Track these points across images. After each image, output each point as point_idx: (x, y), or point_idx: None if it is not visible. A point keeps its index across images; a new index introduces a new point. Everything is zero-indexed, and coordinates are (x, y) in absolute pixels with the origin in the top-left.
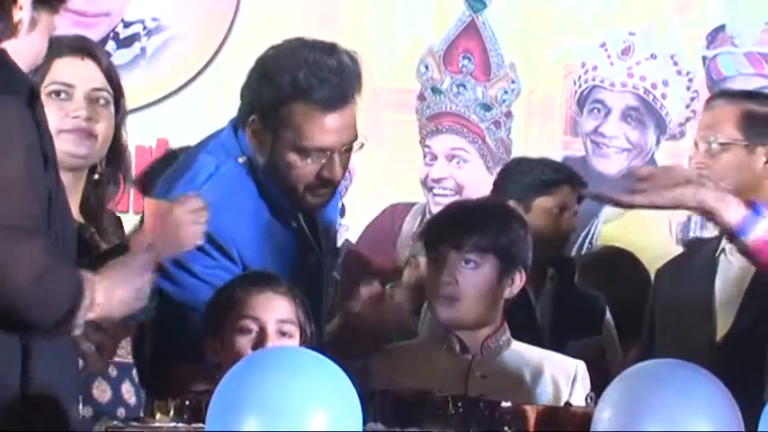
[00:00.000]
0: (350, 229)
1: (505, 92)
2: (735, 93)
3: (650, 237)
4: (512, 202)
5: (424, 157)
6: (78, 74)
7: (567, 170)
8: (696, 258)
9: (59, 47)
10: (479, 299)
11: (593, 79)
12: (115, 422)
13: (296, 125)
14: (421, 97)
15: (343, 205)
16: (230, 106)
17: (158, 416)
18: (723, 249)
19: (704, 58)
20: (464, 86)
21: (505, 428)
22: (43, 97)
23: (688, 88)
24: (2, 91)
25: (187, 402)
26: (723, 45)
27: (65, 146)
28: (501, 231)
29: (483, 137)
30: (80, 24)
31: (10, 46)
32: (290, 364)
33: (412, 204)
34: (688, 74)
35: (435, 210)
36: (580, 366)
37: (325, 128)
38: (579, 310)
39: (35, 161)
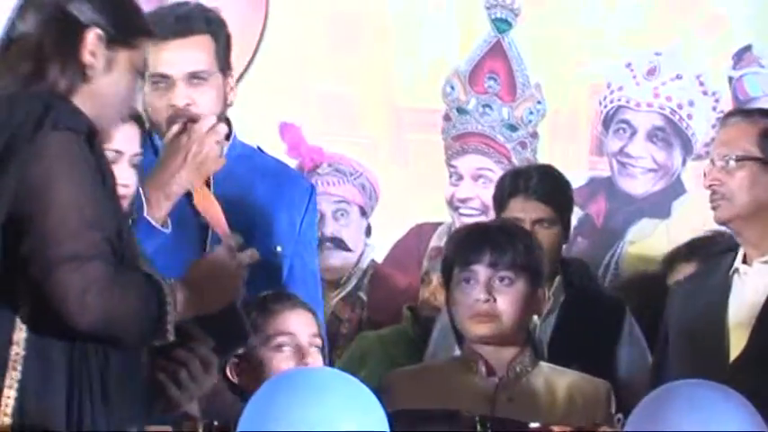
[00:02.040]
0: (376, 249)
1: (531, 112)
2: (751, 110)
3: None
4: None
5: (450, 177)
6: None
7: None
8: (710, 277)
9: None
10: (515, 316)
11: (619, 99)
12: None
13: None
14: (446, 117)
15: (369, 225)
16: (259, 122)
17: None
18: (737, 269)
19: (730, 79)
20: (490, 107)
21: None
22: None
23: (714, 108)
24: (61, 128)
25: (215, 423)
26: (749, 65)
27: None
28: (529, 250)
29: (509, 157)
30: None
31: (87, 90)
32: (319, 385)
33: (438, 224)
34: (714, 94)
35: None
36: (608, 387)
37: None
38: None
39: (94, 190)
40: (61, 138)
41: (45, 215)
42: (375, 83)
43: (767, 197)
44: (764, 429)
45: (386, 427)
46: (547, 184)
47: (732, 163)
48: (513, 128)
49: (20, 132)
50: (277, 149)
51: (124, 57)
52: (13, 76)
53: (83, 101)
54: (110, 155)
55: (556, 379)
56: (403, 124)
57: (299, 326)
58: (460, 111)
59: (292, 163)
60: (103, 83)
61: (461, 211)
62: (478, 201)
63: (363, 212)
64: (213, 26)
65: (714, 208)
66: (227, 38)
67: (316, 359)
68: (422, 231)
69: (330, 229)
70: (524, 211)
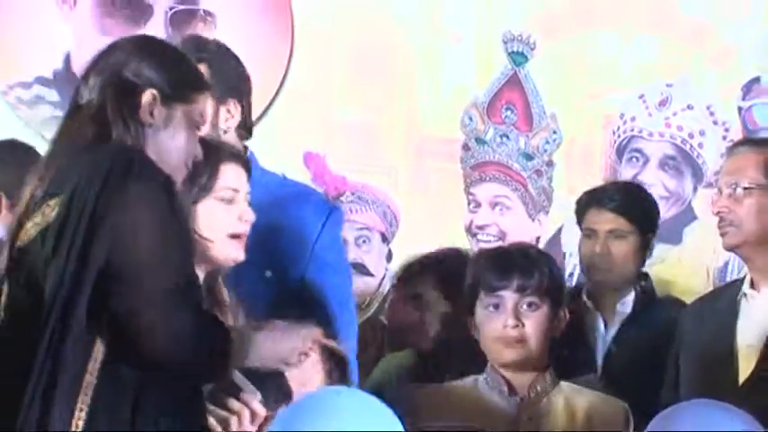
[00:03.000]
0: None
1: (547, 141)
2: (758, 140)
3: (690, 282)
4: None
5: (469, 204)
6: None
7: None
8: (719, 301)
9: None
10: (541, 339)
11: (632, 129)
12: None
13: None
14: (465, 147)
15: (390, 251)
16: (284, 151)
17: None
18: (744, 294)
19: (740, 109)
20: (507, 137)
21: None
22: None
23: (724, 138)
24: (146, 177)
25: None
26: (759, 96)
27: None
28: (551, 273)
29: (525, 185)
30: None
31: (150, 145)
32: (343, 406)
33: None
34: (724, 123)
35: None
36: (625, 408)
37: None
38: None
39: (180, 235)
40: (149, 186)
41: (139, 259)
42: (397, 113)
43: None
44: None
45: None
46: (624, 197)
47: (740, 191)
48: (529, 157)
49: (109, 184)
50: (302, 178)
51: (181, 111)
52: (79, 138)
53: (150, 156)
54: (227, 193)
55: (575, 399)
56: (423, 153)
57: None
58: (479, 140)
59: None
60: (163, 137)
61: (479, 237)
62: (496, 227)
63: (384, 239)
64: (205, 54)
65: (723, 234)
66: (225, 64)
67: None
68: None
69: (352, 255)
70: (598, 222)
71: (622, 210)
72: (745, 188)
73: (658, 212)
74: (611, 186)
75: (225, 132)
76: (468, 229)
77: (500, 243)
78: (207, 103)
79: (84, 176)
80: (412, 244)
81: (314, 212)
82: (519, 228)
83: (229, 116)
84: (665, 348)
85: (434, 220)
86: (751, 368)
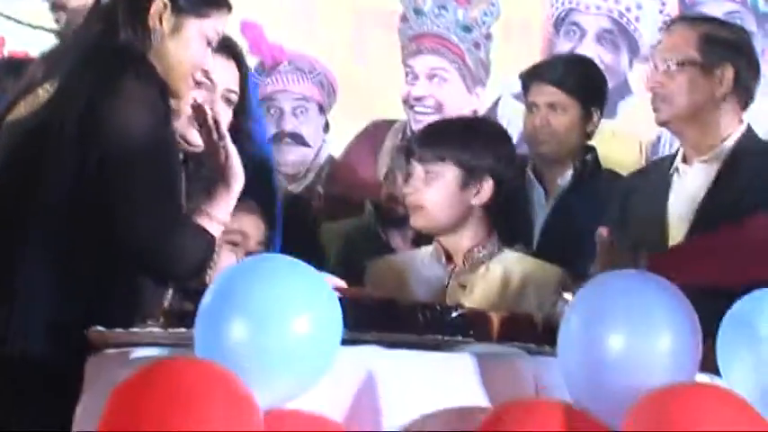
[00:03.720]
0: (334, 145)
1: (485, 14)
2: (695, 17)
3: (623, 155)
4: None
5: (406, 75)
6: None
7: None
8: (652, 174)
9: None
10: (447, 207)
11: (570, 2)
12: (99, 327)
13: None
14: (403, 18)
15: (327, 121)
16: None
17: (149, 322)
18: (677, 168)
19: None
20: (445, 8)
21: (470, 333)
22: None
23: (661, 12)
24: (138, 78)
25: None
26: None
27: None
28: (467, 143)
29: (463, 57)
30: None
31: (155, 52)
32: (275, 272)
33: (393, 122)
34: None
35: (416, 127)
36: (558, 273)
37: None
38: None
39: (166, 133)
40: (146, 88)
41: (131, 155)
42: None
43: (705, 100)
44: (694, 315)
45: (338, 313)
46: (564, 70)
47: (673, 67)
48: (467, 29)
49: (106, 78)
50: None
51: (192, 24)
52: (87, 33)
53: (153, 61)
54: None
55: (514, 266)
56: (361, 23)
57: None
58: (417, 11)
59: (253, 61)
60: (169, 45)
61: (416, 109)
62: (433, 99)
63: (322, 109)
64: None
65: (655, 110)
66: None
67: None
68: (378, 128)
69: (290, 125)
70: (538, 95)
71: (561, 83)
72: (678, 63)
73: (605, 85)
74: (555, 60)
75: None
76: (406, 101)
77: (436, 115)
78: (223, 20)
79: (79, 64)
80: (349, 115)
81: None
82: (456, 100)
83: None
84: (599, 219)
85: (372, 91)
86: (681, 237)
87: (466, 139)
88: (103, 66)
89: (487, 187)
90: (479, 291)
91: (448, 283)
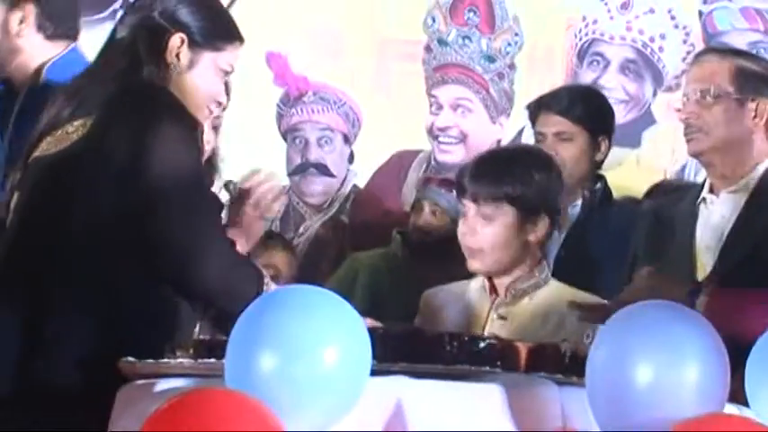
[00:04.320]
0: (358, 175)
1: (509, 44)
2: (724, 49)
3: (647, 185)
4: None
5: (430, 106)
6: None
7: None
8: (678, 204)
9: None
10: (505, 247)
11: (594, 32)
12: (130, 358)
13: None
14: (428, 48)
15: (352, 152)
16: (246, 51)
17: (178, 353)
18: (704, 198)
19: (700, 13)
20: (469, 39)
21: (497, 363)
22: None
23: (684, 42)
24: (173, 116)
25: (204, 338)
26: (719, 1)
27: None
28: (516, 180)
29: (487, 87)
30: None
31: (175, 84)
32: (305, 303)
33: (417, 152)
34: (684, 27)
35: (440, 157)
36: (600, 304)
37: None
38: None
39: (203, 169)
40: (183, 128)
41: (180, 194)
42: (359, 14)
43: (740, 132)
44: (722, 347)
45: (367, 344)
46: (570, 100)
47: (709, 98)
48: (491, 59)
49: (146, 117)
50: (264, 78)
51: (207, 57)
52: (109, 69)
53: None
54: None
55: (556, 298)
56: (385, 54)
57: None
58: (441, 42)
59: (278, 91)
60: (186, 78)
61: (440, 139)
62: (457, 129)
63: (347, 139)
64: None
65: (689, 140)
66: None
67: None
68: (402, 158)
69: (314, 155)
70: (546, 125)
71: (567, 112)
72: (716, 96)
73: (611, 114)
74: (561, 90)
75: (18, 36)
76: (430, 131)
77: (461, 145)
78: (236, 53)
79: (113, 103)
80: (374, 145)
81: None
82: (480, 130)
83: (24, 20)
84: (621, 249)
85: (396, 121)
86: (709, 268)
87: (519, 175)
88: (139, 106)
89: (543, 225)
90: (518, 322)
91: (488, 313)
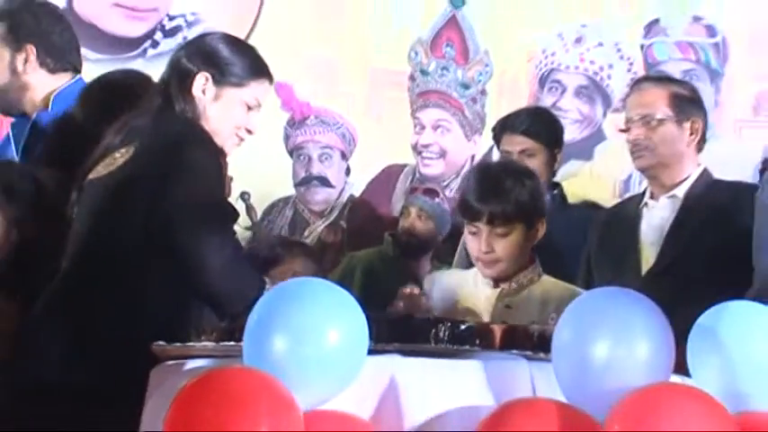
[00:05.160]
0: (354, 186)
1: (480, 73)
2: (659, 77)
3: (599, 192)
4: None
5: (414, 126)
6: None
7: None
8: (624, 209)
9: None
10: (516, 254)
11: (552, 63)
12: (161, 342)
13: None
14: (411, 78)
15: (348, 166)
16: None
17: (202, 337)
18: (645, 203)
19: (642, 46)
20: (447, 69)
21: (476, 343)
22: None
23: (629, 70)
24: (199, 142)
25: (226, 325)
26: (657, 35)
27: None
28: (522, 198)
29: (462, 110)
30: (133, 18)
31: (204, 117)
32: (312, 293)
33: (404, 166)
34: (629, 59)
35: (423, 170)
36: (574, 294)
37: None
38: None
39: (222, 192)
40: (205, 154)
41: (195, 208)
42: (353, 48)
43: (679, 149)
44: (667, 325)
45: (365, 327)
46: (531, 122)
47: (654, 122)
48: (466, 86)
49: (175, 143)
50: (273, 104)
51: (230, 93)
52: (149, 106)
53: (203, 124)
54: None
55: (551, 291)
56: (376, 83)
57: None
58: (423, 72)
59: (285, 115)
60: (212, 110)
61: (423, 154)
62: (437, 146)
63: (344, 156)
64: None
65: (637, 158)
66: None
67: None
68: (391, 171)
69: (316, 169)
70: (511, 144)
71: (529, 132)
72: (659, 119)
73: (562, 130)
74: (521, 112)
75: (26, 74)
76: (415, 148)
77: (441, 160)
78: (262, 88)
79: (150, 134)
80: (367, 161)
81: None
82: (457, 147)
83: (27, 59)
84: (578, 248)
85: (385, 140)
86: (651, 262)
87: (517, 188)
88: (170, 135)
89: (542, 228)
90: (522, 311)
91: (495, 303)
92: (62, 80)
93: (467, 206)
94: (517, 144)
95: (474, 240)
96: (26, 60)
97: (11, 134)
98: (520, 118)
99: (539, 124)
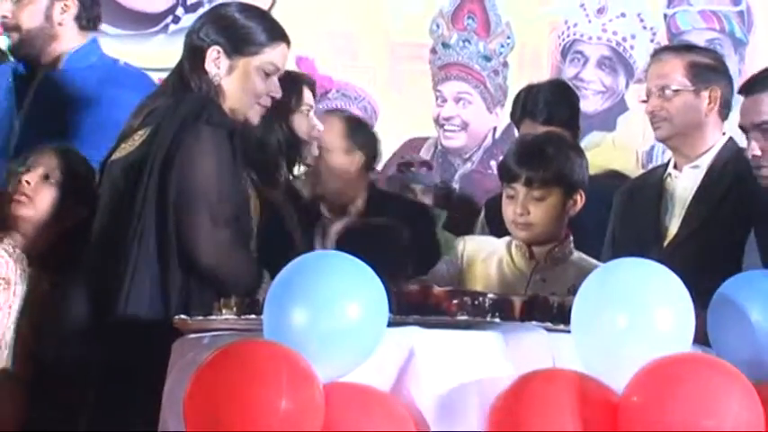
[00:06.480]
0: None
1: (502, 46)
2: (679, 46)
3: (622, 163)
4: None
5: (436, 99)
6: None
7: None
8: (648, 180)
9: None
10: (550, 223)
11: (574, 34)
12: (183, 316)
13: None
14: (433, 51)
15: None
16: None
17: (224, 311)
18: (669, 174)
19: (665, 15)
20: (468, 41)
21: (496, 314)
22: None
23: (652, 41)
24: (209, 123)
25: (247, 299)
26: (680, 4)
27: None
28: (562, 166)
29: (484, 83)
30: None
31: (220, 90)
32: (331, 266)
33: (426, 138)
34: (652, 29)
35: (445, 142)
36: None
37: None
38: None
39: (227, 175)
40: (216, 131)
41: (196, 187)
42: (375, 22)
43: (697, 118)
44: (687, 296)
45: (384, 300)
46: (551, 109)
47: (669, 92)
48: (487, 59)
49: (185, 124)
50: None
51: (244, 62)
52: (167, 86)
53: (221, 99)
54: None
55: (585, 266)
56: (398, 56)
57: None
58: (444, 45)
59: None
60: (227, 83)
61: (445, 127)
62: (459, 119)
63: None
64: None
65: (656, 129)
66: None
67: None
68: (413, 144)
69: None
70: (533, 130)
71: (550, 120)
72: (675, 90)
73: (577, 101)
74: (539, 98)
75: (60, 25)
76: (437, 121)
77: (463, 132)
78: (278, 52)
79: (166, 117)
80: (390, 133)
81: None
82: (479, 119)
83: (66, 8)
84: (603, 215)
85: (407, 113)
86: (674, 233)
87: (560, 157)
88: (184, 114)
89: (580, 201)
90: (557, 285)
91: (531, 276)
92: (84, 40)
93: (506, 168)
94: (538, 131)
95: (510, 204)
96: (64, 10)
97: (11, 83)
98: (539, 106)
99: (559, 109)
